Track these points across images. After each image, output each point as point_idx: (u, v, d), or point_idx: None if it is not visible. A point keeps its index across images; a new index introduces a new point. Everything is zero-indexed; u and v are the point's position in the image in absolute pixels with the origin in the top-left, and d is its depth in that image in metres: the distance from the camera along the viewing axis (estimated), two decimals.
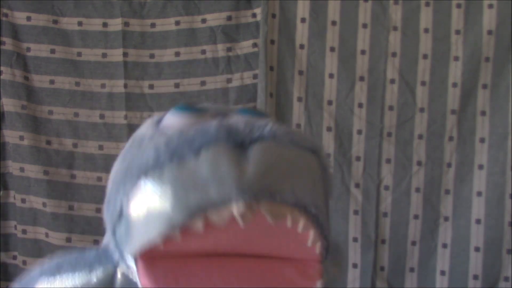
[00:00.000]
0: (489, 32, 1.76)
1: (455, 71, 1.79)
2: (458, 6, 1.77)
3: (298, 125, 1.81)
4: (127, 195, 0.67)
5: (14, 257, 1.90)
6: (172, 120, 0.72)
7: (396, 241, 1.82)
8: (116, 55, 1.82)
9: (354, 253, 1.82)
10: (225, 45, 1.81)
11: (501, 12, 1.75)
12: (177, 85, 1.83)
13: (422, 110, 1.80)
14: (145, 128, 0.74)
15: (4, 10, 1.81)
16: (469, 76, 1.78)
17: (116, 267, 0.73)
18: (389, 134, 1.81)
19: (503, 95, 1.77)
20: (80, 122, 1.85)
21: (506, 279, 1.79)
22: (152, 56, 1.83)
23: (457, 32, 1.78)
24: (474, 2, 1.76)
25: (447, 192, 1.80)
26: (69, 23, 1.83)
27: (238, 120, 0.68)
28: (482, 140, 1.79)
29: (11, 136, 1.84)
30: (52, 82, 1.84)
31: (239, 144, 0.65)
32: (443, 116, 1.79)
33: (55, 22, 1.83)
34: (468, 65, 1.78)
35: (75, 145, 1.85)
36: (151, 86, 1.83)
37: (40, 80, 1.84)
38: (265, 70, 1.78)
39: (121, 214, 0.68)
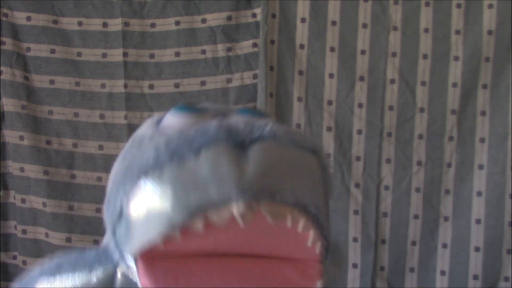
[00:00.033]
0: (489, 32, 1.76)
1: (455, 71, 1.79)
2: (458, 6, 1.77)
3: (298, 125, 1.81)
4: (127, 195, 0.67)
5: (14, 257, 1.90)
6: (172, 120, 0.72)
7: (396, 241, 1.82)
8: (116, 55, 1.82)
9: (354, 253, 1.82)
10: (225, 45, 1.81)
11: (501, 12, 1.75)
12: (177, 85, 1.83)
13: (422, 110, 1.80)
14: (145, 128, 0.74)
15: (4, 10, 1.81)
16: (469, 76, 1.78)
17: (116, 267, 0.73)
18: (389, 134, 1.81)
19: (503, 95, 1.77)
20: (80, 122, 1.84)
21: (506, 279, 1.79)
22: (152, 56, 1.83)
23: (457, 32, 1.78)
24: (474, 2, 1.76)
25: (447, 192, 1.80)
26: (69, 23, 1.83)
27: (238, 120, 0.68)
28: (482, 140, 1.79)
29: (11, 136, 1.84)
30: (52, 82, 1.83)
31: (239, 144, 0.65)
32: (443, 116, 1.79)
33: (55, 22, 1.83)
34: (468, 65, 1.78)
35: (75, 145, 1.85)
36: (151, 86, 1.83)
37: (40, 80, 1.84)
38: (265, 70, 1.78)
39: (121, 214, 0.68)
